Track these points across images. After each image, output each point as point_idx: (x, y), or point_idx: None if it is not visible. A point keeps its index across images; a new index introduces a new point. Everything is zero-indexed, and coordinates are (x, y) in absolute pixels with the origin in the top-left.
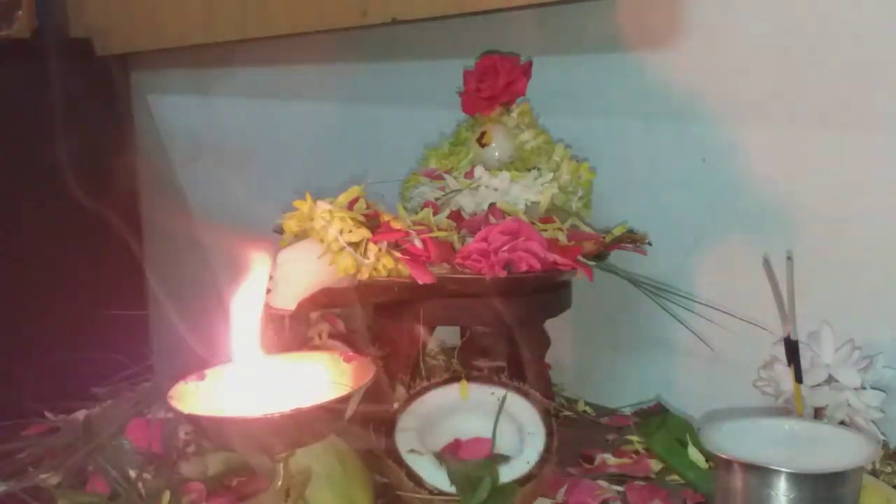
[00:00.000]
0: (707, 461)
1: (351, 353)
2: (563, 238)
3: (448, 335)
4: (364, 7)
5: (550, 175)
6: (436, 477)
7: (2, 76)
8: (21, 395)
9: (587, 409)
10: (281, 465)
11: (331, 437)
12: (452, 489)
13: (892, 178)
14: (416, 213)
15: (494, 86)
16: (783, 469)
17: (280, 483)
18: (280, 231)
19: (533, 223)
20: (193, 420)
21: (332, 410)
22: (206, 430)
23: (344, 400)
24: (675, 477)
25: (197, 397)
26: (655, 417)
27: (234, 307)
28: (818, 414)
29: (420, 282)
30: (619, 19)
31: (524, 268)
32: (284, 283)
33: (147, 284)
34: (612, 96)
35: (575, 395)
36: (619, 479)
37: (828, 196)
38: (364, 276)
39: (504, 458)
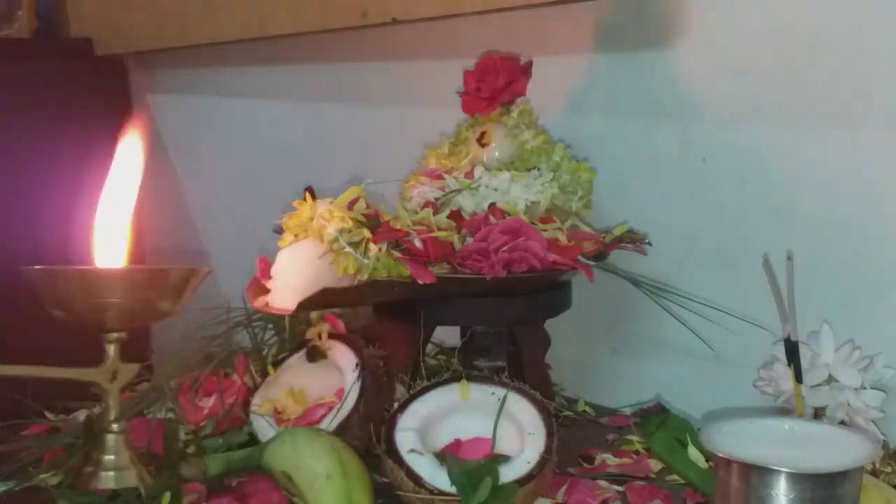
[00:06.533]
0: (707, 461)
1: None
2: (563, 238)
3: (448, 335)
4: (364, 7)
5: (550, 175)
6: (436, 477)
7: (2, 76)
8: (21, 395)
9: (587, 409)
10: (112, 346)
11: (330, 437)
12: (452, 489)
13: (892, 178)
14: (416, 213)
15: (494, 86)
16: (783, 469)
17: (109, 363)
18: (280, 231)
19: (533, 223)
20: (28, 275)
21: (168, 286)
22: (39, 287)
23: (180, 277)
24: (675, 477)
25: None
26: (655, 417)
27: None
28: (818, 414)
29: (420, 282)
30: (619, 19)
31: (524, 268)
32: (284, 284)
33: None
34: (612, 96)
35: (575, 395)
36: (619, 479)
37: (828, 196)
38: (364, 276)
39: (504, 458)
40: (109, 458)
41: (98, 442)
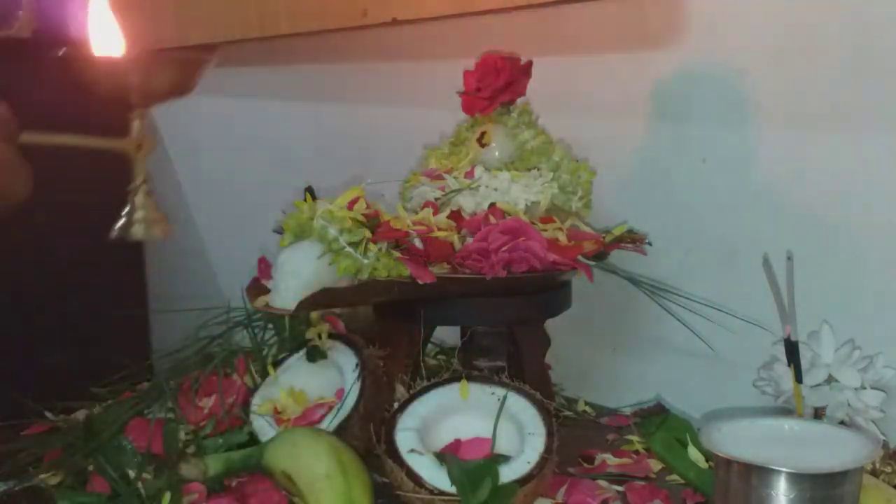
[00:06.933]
0: (707, 461)
1: None
2: (563, 238)
3: (448, 335)
4: (364, 7)
5: (550, 175)
6: (436, 477)
7: (2, 76)
8: (21, 395)
9: (587, 409)
10: (137, 121)
11: (330, 437)
12: (452, 489)
13: (892, 178)
14: (416, 213)
15: (494, 86)
16: (783, 469)
17: (135, 135)
18: (280, 231)
19: (533, 223)
20: (77, 66)
21: (179, 65)
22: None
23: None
24: (675, 477)
25: None
26: (655, 417)
27: None
28: (818, 414)
29: (420, 282)
30: (619, 19)
31: (524, 268)
32: (284, 284)
33: (147, 284)
34: (612, 96)
35: (575, 395)
36: (619, 479)
37: (828, 196)
38: (364, 276)
39: (504, 458)
40: (140, 213)
41: (131, 201)
